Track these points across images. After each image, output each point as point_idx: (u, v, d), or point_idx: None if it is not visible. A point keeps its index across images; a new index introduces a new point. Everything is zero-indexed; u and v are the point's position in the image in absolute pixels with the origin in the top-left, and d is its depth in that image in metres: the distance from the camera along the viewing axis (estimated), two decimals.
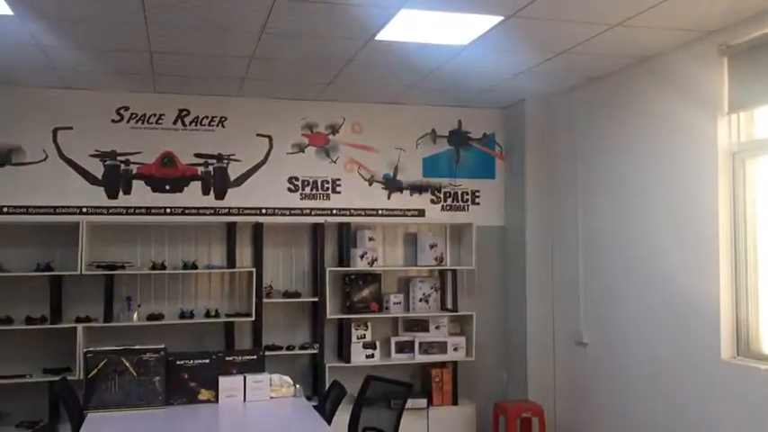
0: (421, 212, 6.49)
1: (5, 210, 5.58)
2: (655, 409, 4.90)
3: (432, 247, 6.32)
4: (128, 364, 4.39)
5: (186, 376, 4.50)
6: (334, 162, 6.32)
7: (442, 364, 6.23)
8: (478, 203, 6.63)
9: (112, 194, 5.82)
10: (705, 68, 4.47)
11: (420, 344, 6.15)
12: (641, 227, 5.10)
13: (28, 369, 5.48)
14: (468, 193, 6.61)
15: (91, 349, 4.46)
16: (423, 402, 5.98)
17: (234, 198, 6.06)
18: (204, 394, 4.50)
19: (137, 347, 4.49)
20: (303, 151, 6.26)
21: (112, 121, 5.84)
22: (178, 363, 4.51)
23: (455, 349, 6.19)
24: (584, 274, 5.81)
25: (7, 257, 5.52)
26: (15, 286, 5.53)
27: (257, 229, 5.96)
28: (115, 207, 5.81)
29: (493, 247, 6.59)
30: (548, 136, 6.34)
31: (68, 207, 5.71)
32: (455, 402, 6.15)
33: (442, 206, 6.55)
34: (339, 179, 6.32)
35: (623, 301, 5.29)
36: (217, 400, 4.47)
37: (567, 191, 6.06)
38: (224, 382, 4.51)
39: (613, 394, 5.37)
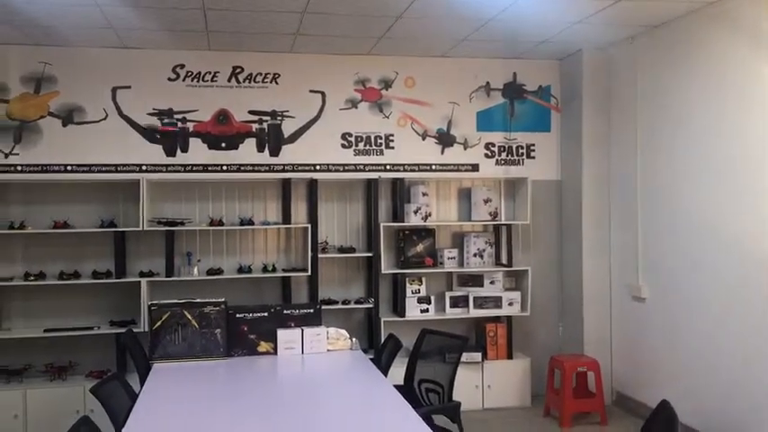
0: (475, 167, 6.43)
1: (69, 168, 5.75)
2: (715, 365, 4.82)
3: (486, 201, 6.27)
4: (190, 317, 4.53)
5: (246, 329, 4.62)
6: (387, 117, 6.28)
7: (497, 319, 6.24)
8: (533, 157, 6.52)
9: (171, 152, 5.93)
10: None
11: (474, 299, 6.16)
12: (703, 180, 4.95)
13: (95, 321, 5.72)
14: (522, 147, 6.51)
15: (155, 302, 4.61)
16: (477, 356, 6.01)
17: (288, 154, 6.11)
18: (263, 346, 4.61)
19: (198, 301, 4.62)
20: (356, 107, 6.24)
21: (169, 79, 5.92)
22: (238, 316, 4.63)
23: (510, 304, 6.18)
24: (642, 228, 5.70)
25: (73, 215, 5.71)
26: (81, 242, 5.73)
27: (311, 186, 6.00)
28: (173, 165, 5.92)
29: (548, 201, 6.51)
30: (606, 87, 6.17)
31: (129, 165, 5.85)
32: (510, 356, 6.17)
33: (497, 160, 6.47)
34: (392, 134, 6.29)
35: (683, 256, 5.17)
36: (275, 352, 4.59)
37: (625, 144, 5.91)
38: (282, 334, 4.61)
39: (672, 350, 5.31)
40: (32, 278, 5.54)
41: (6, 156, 5.66)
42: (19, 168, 5.68)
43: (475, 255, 6.26)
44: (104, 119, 5.82)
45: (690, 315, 5.10)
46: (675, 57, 5.25)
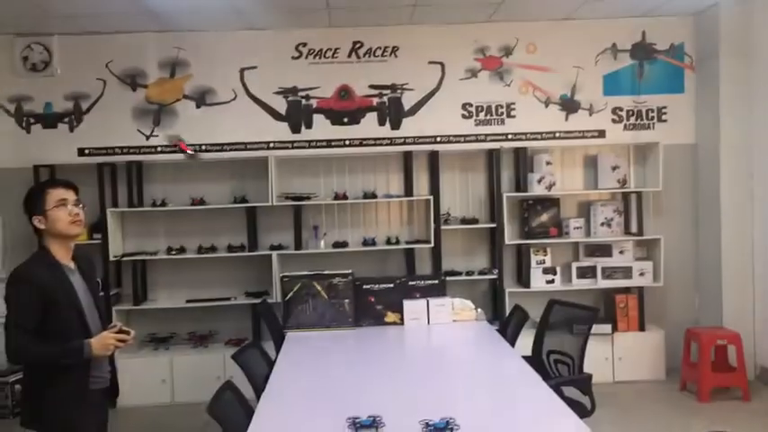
0: (601, 133, 6.19)
1: (204, 148, 6.06)
2: None
3: (614, 168, 6.04)
4: (319, 288, 4.69)
5: (372, 300, 4.72)
6: (509, 85, 6.16)
7: (627, 290, 6.03)
8: (665, 120, 6.20)
9: (296, 129, 6.10)
10: None
11: (603, 269, 5.97)
12: None
13: (232, 292, 6.03)
14: (653, 111, 6.20)
15: (286, 274, 4.80)
16: (607, 328, 5.84)
17: (409, 127, 6.13)
18: (390, 317, 4.70)
19: (327, 272, 4.77)
20: (476, 76, 6.16)
21: (292, 57, 6.08)
22: (365, 287, 4.73)
23: (641, 274, 5.95)
24: None
25: (208, 192, 6.02)
26: (216, 218, 6.05)
27: (433, 158, 6.00)
28: (298, 141, 6.10)
29: (682, 166, 6.17)
30: (746, 44, 5.73)
31: (257, 143, 6.08)
32: (642, 329, 5.95)
33: (625, 125, 6.20)
34: (514, 103, 6.16)
35: None
36: (402, 323, 4.66)
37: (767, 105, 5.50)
38: (408, 305, 4.67)
39: None
40: (174, 252, 5.91)
41: (147, 138, 6.05)
42: (159, 149, 6.05)
43: (602, 224, 6.06)
44: (234, 99, 6.07)
45: None
46: None
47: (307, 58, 6.08)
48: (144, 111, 6.04)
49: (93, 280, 3.17)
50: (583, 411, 3.52)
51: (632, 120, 6.20)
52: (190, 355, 5.82)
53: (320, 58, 6.09)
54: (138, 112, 6.04)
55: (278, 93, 6.08)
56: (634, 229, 6.10)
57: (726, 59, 5.78)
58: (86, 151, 6.01)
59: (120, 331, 2.96)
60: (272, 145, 6.08)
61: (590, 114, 6.18)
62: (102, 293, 3.83)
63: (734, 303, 5.82)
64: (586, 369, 3.87)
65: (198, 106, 6.07)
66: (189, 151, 5.89)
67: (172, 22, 5.72)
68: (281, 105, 6.09)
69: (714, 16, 5.82)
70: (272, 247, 5.95)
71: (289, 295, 4.69)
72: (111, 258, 5.75)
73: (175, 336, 6.01)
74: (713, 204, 5.91)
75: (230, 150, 6.07)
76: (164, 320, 6.04)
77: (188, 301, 5.91)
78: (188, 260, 5.98)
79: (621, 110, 6.19)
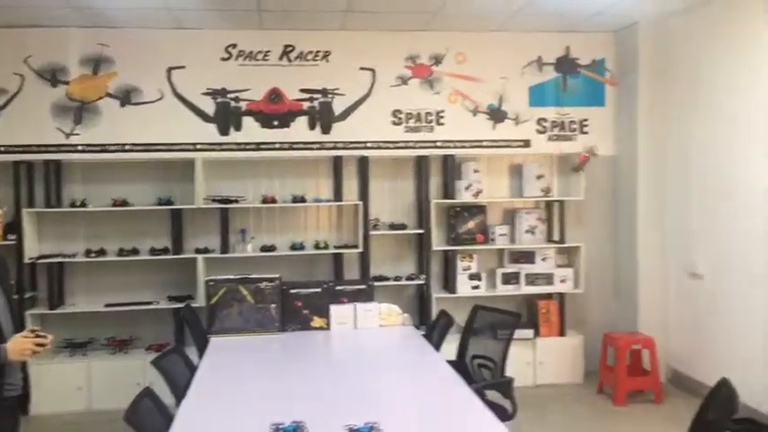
0: (527, 143, 6.36)
1: (127, 147, 5.90)
2: None
3: (538, 177, 6.21)
4: (245, 292, 4.63)
5: (300, 304, 4.70)
6: (438, 94, 6.25)
7: (549, 296, 6.19)
8: (587, 132, 6.41)
9: (224, 131, 6.02)
10: None
11: (526, 275, 6.12)
12: (764, 155, 4.79)
13: (154, 297, 5.89)
14: (575, 122, 6.41)
15: (211, 278, 4.72)
16: (529, 333, 5.99)
17: (339, 132, 6.14)
18: (317, 322, 4.69)
19: (253, 276, 4.72)
20: (406, 83, 6.22)
21: (222, 59, 5.99)
22: (292, 291, 4.71)
23: (562, 281, 6.13)
24: (699, 204, 5.56)
25: (131, 193, 5.86)
26: (139, 220, 5.89)
27: (363, 163, 6.03)
28: (227, 143, 6.02)
29: (602, 177, 6.40)
30: (663, 60, 6.00)
31: (184, 144, 5.96)
32: (562, 333, 6.13)
33: (549, 136, 6.38)
34: (443, 111, 6.26)
35: (741, 233, 5.04)
36: (329, 327, 4.66)
37: (682, 118, 5.76)
38: (335, 310, 4.68)
39: (731, 328, 5.19)
40: (93, 255, 5.73)
41: (68, 136, 5.84)
42: (80, 148, 5.85)
43: (526, 231, 6.21)
44: (160, 99, 5.93)
45: (748, 292, 4.97)
46: (737, 27, 5.07)
47: (237, 59, 6.01)
48: (64, 108, 5.83)
49: (7, 282, 3.04)
50: (504, 415, 3.59)
51: (556, 131, 6.39)
52: (108, 361, 5.64)
53: (250, 60, 6.03)
54: (57, 110, 5.83)
55: (206, 94, 5.99)
56: (556, 236, 6.28)
57: (644, 75, 6.03)
58: (2, 149, 5.76)
59: (37, 336, 2.84)
60: (199, 146, 5.98)
61: (516, 124, 6.33)
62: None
63: (648, 309, 6.06)
64: (509, 373, 3.96)
65: (122, 105, 5.91)
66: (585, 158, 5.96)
67: (96, 18, 5.54)
68: (209, 107, 6.00)
69: (633, 34, 6.06)
70: (198, 251, 5.83)
71: (213, 299, 4.61)
72: (27, 260, 5.53)
73: (93, 341, 5.81)
74: (630, 213, 6.15)
75: (156, 151, 5.93)
76: (81, 325, 5.84)
77: (107, 306, 5.73)
78: (108, 263, 5.81)
79: (546, 121, 6.37)
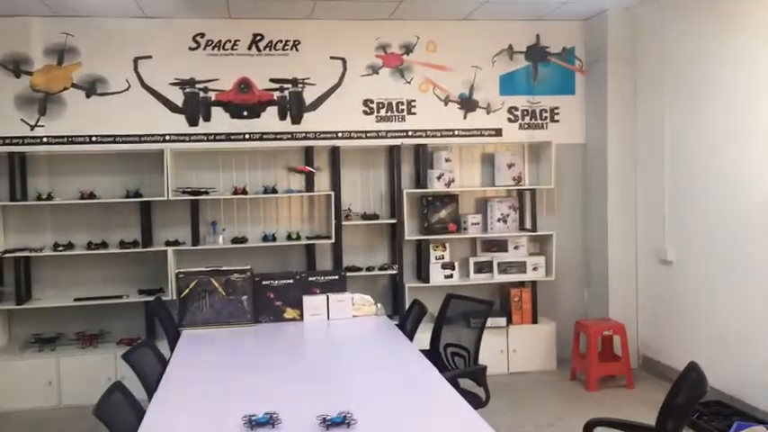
0: (498, 132, 6.37)
1: (94, 139, 5.80)
2: (743, 329, 4.78)
3: (509, 166, 6.23)
4: (217, 285, 4.58)
5: (272, 296, 4.66)
6: (409, 83, 6.23)
7: (521, 284, 6.23)
8: (557, 121, 6.45)
9: (193, 122, 5.94)
10: None
11: (499, 264, 6.15)
12: (732, 141, 4.86)
13: (124, 290, 5.81)
14: (546, 111, 6.43)
15: (182, 270, 4.66)
16: (502, 321, 6.03)
17: (310, 122, 6.09)
18: (290, 313, 4.66)
19: (225, 268, 4.67)
20: (377, 73, 6.19)
21: (189, 48, 5.91)
22: (264, 283, 4.67)
23: (534, 269, 6.17)
24: (669, 191, 5.63)
25: (99, 185, 5.76)
26: (108, 212, 5.81)
27: (334, 153, 5.99)
28: (196, 134, 5.94)
29: (573, 165, 6.44)
30: (632, 48, 6.05)
31: (152, 135, 5.87)
32: (535, 321, 6.18)
33: (520, 125, 6.40)
34: (414, 100, 6.24)
35: (710, 219, 5.11)
36: (302, 319, 4.64)
37: (652, 105, 5.82)
38: (308, 301, 4.65)
39: (699, 313, 5.28)
40: (61, 248, 5.63)
41: (32, 128, 5.72)
42: (45, 140, 5.74)
43: (499, 220, 6.24)
44: (127, 89, 5.84)
45: (717, 278, 5.05)
46: (706, 15, 5.12)
47: (205, 49, 5.93)
48: (28, 99, 5.71)
49: None
50: (477, 402, 3.61)
51: (527, 119, 6.41)
52: (78, 356, 5.55)
53: (219, 49, 5.95)
54: (21, 101, 5.71)
55: (174, 84, 5.90)
56: (528, 225, 6.31)
57: (613, 63, 6.07)
58: None
59: None
60: (168, 137, 5.89)
61: (487, 113, 6.35)
62: None
63: (619, 296, 6.14)
64: (483, 361, 3.97)
65: (88, 96, 5.80)
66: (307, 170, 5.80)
67: (60, 7, 5.42)
68: (177, 97, 5.91)
69: (602, 22, 6.10)
70: (168, 243, 5.76)
71: (184, 292, 4.56)
72: None
73: (62, 336, 5.71)
74: (601, 201, 6.21)
75: (123, 143, 5.83)
76: (50, 320, 5.74)
77: (76, 300, 5.64)
78: (76, 257, 5.72)
79: (517, 109, 6.39)
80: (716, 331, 5.06)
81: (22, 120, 5.70)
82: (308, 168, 5.87)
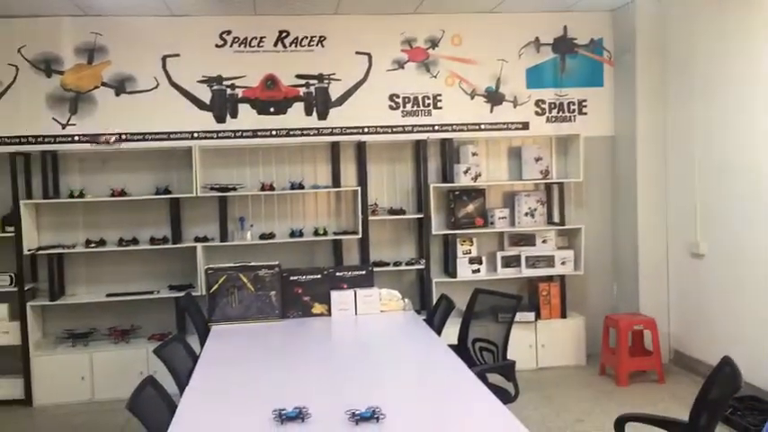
0: (525, 125, 6.32)
1: (124, 137, 5.87)
2: None
3: (537, 160, 6.18)
4: (245, 280, 4.62)
5: (300, 291, 4.69)
6: (435, 77, 6.21)
7: (550, 278, 6.18)
8: (586, 113, 6.37)
9: (220, 119, 5.98)
10: None
11: (527, 258, 6.11)
12: (764, 135, 4.77)
13: (155, 286, 5.88)
14: (574, 103, 6.37)
15: (211, 266, 4.71)
16: (530, 316, 5.99)
17: (336, 118, 6.10)
18: (318, 308, 4.68)
19: (253, 264, 4.71)
20: (403, 67, 6.18)
21: (216, 45, 5.95)
22: (291, 278, 4.70)
23: (563, 263, 6.12)
24: (700, 183, 5.54)
25: (129, 183, 5.84)
26: (138, 209, 5.88)
27: (360, 148, 6.00)
28: (224, 131, 5.98)
29: (602, 158, 6.37)
30: (661, 39, 5.95)
31: (180, 132, 5.93)
32: (563, 316, 6.13)
33: (547, 117, 6.35)
34: (440, 94, 6.22)
35: (742, 211, 5.02)
36: (329, 314, 4.66)
37: (682, 97, 5.73)
38: (336, 296, 4.67)
39: (731, 307, 5.19)
40: (93, 245, 5.72)
41: (64, 126, 5.81)
42: (76, 138, 5.82)
43: (526, 214, 6.20)
44: (155, 87, 5.90)
45: (750, 271, 4.97)
46: (736, 4, 5.02)
47: (231, 46, 5.97)
48: (60, 98, 5.80)
49: None
50: (506, 397, 3.59)
51: (554, 112, 6.35)
52: (111, 351, 5.64)
53: (245, 46, 5.98)
54: (53, 100, 5.80)
55: (202, 81, 5.95)
56: (556, 218, 6.26)
57: (642, 54, 5.98)
58: None
59: None
60: (195, 135, 5.95)
61: (514, 107, 6.30)
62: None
63: (649, 290, 6.06)
64: (511, 356, 3.95)
65: (117, 94, 5.87)
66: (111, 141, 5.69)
67: (89, 7, 5.50)
68: (205, 94, 5.96)
69: (631, 13, 6.01)
70: (197, 239, 5.82)
71: (213, 288, 4.60)
72: (26, 252, 5.51)
73: (95, 331, 5.80)
74: (630, 194, 6.13)
75: (152, 140, 5.90)
76: (83, 316, 5.83)
77: (108, 296, 5.72)
78: (108, 253, 5.80)
79: (544, 102, 6.34)
80: (749, 325, 4.98)
81: (53, 119, 5.79)
82: (110, 140, 5.74)
